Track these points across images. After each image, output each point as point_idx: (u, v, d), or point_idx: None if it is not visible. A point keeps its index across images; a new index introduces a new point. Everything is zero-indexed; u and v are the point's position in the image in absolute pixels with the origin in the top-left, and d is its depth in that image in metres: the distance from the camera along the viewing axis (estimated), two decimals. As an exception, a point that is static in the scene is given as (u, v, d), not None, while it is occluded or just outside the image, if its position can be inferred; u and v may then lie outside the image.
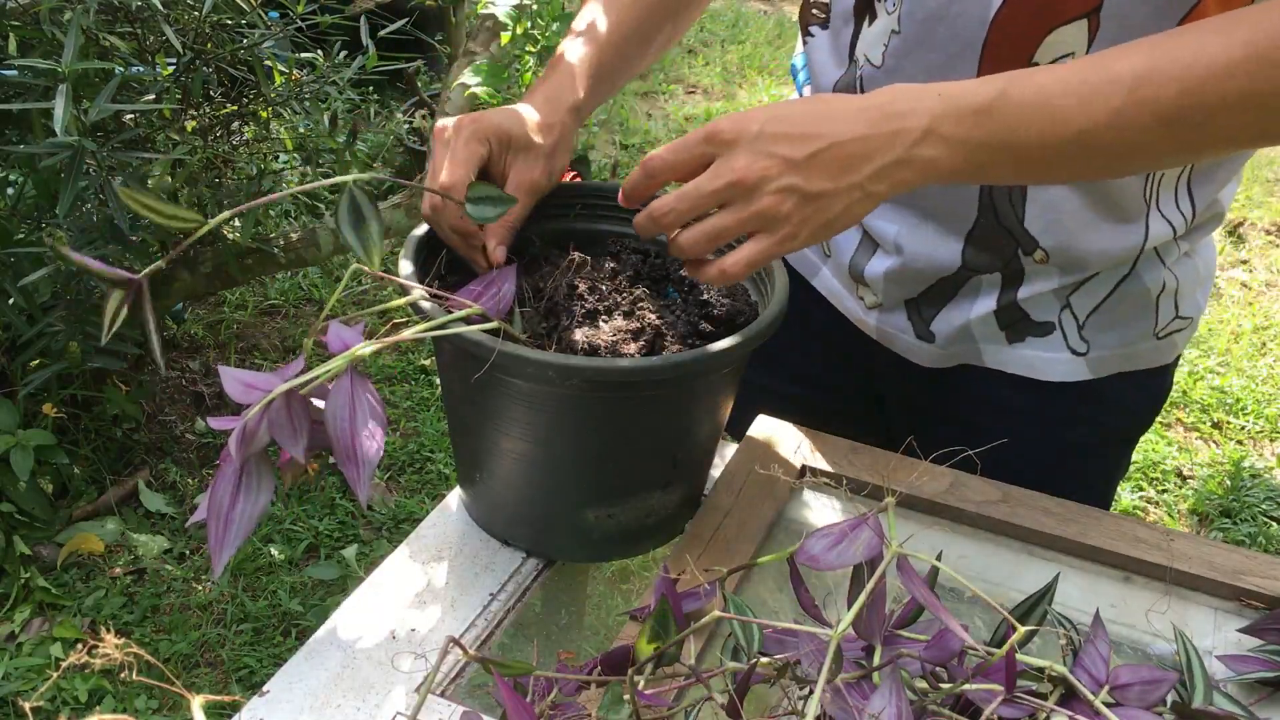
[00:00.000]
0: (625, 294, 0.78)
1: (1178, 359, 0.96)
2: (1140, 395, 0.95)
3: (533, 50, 1.97)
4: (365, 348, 0.54)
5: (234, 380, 0.56)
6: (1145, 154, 0.67)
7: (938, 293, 0.91)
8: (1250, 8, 0.64)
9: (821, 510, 0.84)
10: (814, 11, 0.93)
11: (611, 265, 0.82)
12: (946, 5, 0.77)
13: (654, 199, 0.68)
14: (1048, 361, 0.90)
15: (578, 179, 0.94)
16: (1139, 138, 0.64)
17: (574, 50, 0.84)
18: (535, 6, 1.91)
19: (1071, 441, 0.94)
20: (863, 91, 0.86)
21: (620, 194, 0.71)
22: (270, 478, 0.55)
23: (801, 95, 1.01)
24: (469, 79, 1.79)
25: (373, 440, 0.51)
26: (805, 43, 0.95)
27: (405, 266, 0.74)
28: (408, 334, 0.63)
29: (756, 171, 0.63)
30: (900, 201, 0.88)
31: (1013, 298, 0.88)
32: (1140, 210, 0.84)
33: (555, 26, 1.92)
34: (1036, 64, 0.77)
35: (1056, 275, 0.87)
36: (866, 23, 0.85)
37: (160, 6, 1.66)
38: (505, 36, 1.95)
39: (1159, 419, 2.55)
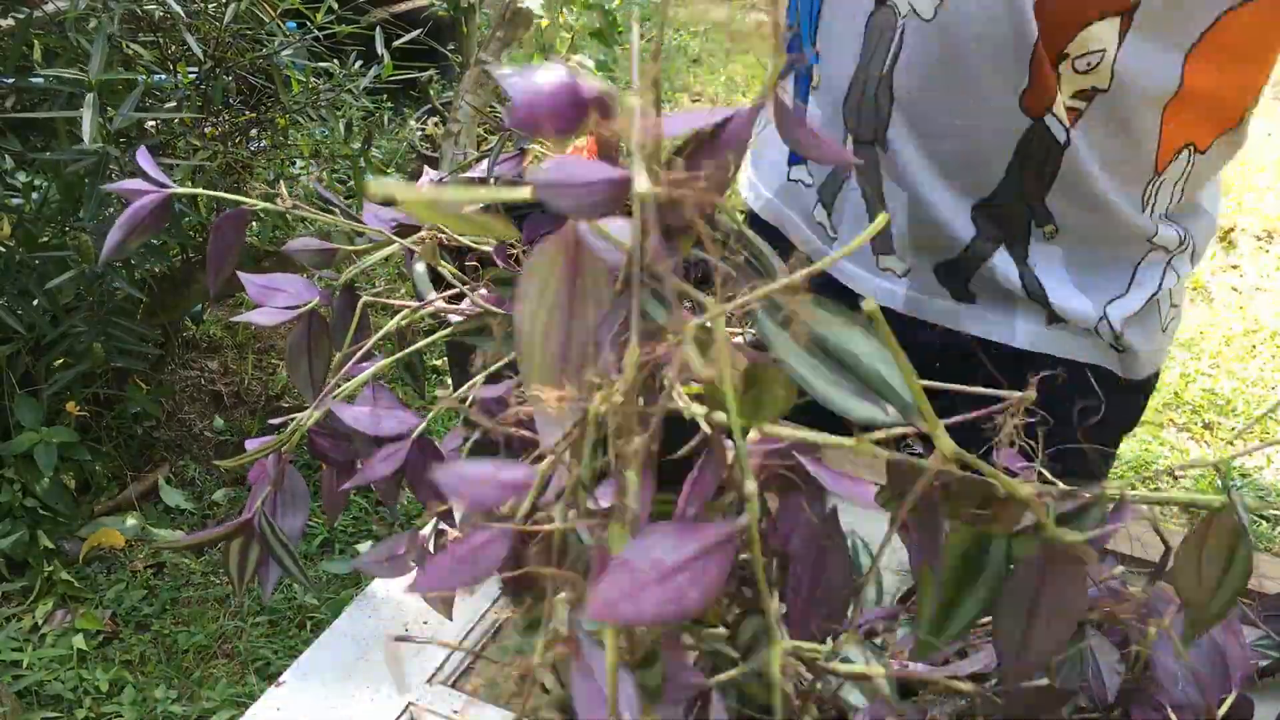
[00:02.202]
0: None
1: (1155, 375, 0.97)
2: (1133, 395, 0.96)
3: (566, 37, 2.00)
4: (386, 361, 0.58)
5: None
6: None
7: (960, 265, 0.88)
8: None
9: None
10: None
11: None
12: None
13: None
14: (1082, 346, 0.89)
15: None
16: None
17: None
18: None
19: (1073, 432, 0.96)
20: (902, 40, 0.82)
21: None
22: (306, 497, 0.59)
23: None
24: (506, 69, 1.82)
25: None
26: None
27: (421, 281, 0.77)
28: (424, 342, 0.67)
29: None
30: (920, 154, 0.86)
31: (1045, 302, 0.87)
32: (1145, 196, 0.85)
33: (583, 17, 1.96)
34: (1067, 56, 0.77)
35: (1060, 252, 0.86)
36: None
37: (183, 15, 1.70)
38: (544, 22, 1.99)
39: (1152, 420, 2.58)
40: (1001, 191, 0.84)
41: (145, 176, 0.57)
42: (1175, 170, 0.85)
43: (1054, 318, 0.88)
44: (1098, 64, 0.77)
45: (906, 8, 0.80)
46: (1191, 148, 0.85)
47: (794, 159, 0.98)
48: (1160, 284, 0.89)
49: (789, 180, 0.98)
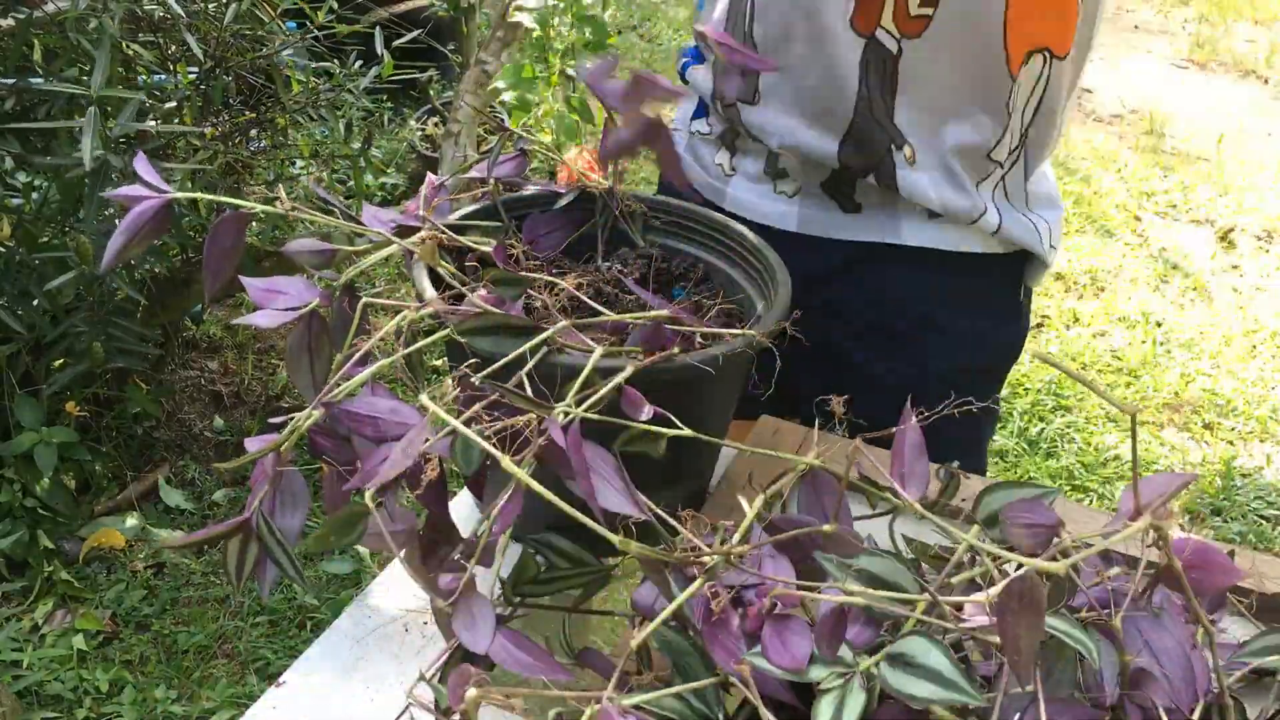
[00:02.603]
0: (630, 299, 0.80)
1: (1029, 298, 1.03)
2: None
3: (559, 47, 2.01)
4: (387, 361, 0.58)
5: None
6: None
7: (843, 180, 0.95)
8: None
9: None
10: None
11: (617, 269, 0.84)
12: None
13: None
14: (964, 235, 0.95)
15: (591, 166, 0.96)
16: None
17: None
18: (561, 4, 1.97)
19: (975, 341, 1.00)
20: None
21: None
22: (306, 497, 0.59)
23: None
24: (499, 83, 1.84)
25: (402, 452, 0.54)
26: None
27: (422, 281, 0.77)
28: (424, 342, 0.67)
29: None
30: (785, 102, 0.93)
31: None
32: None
33: (575, 28, 1.97)
34: None
35: (926, 176, 0.92)
36: None
37: (183, 16, 1.70)
38: (536, 33, 2.01)
39: (1152, 420, 2.58)
40: (859, 121, 0.91)
41: (144, 183, 0.57)
42: (1030, 75, 0.90)
43: (934, 214, 0.94)
44: None
45: None
46: (1047, 53, 0.90)
47: (696, 114, 1.08)
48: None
49: (690, 133, 1.09)
